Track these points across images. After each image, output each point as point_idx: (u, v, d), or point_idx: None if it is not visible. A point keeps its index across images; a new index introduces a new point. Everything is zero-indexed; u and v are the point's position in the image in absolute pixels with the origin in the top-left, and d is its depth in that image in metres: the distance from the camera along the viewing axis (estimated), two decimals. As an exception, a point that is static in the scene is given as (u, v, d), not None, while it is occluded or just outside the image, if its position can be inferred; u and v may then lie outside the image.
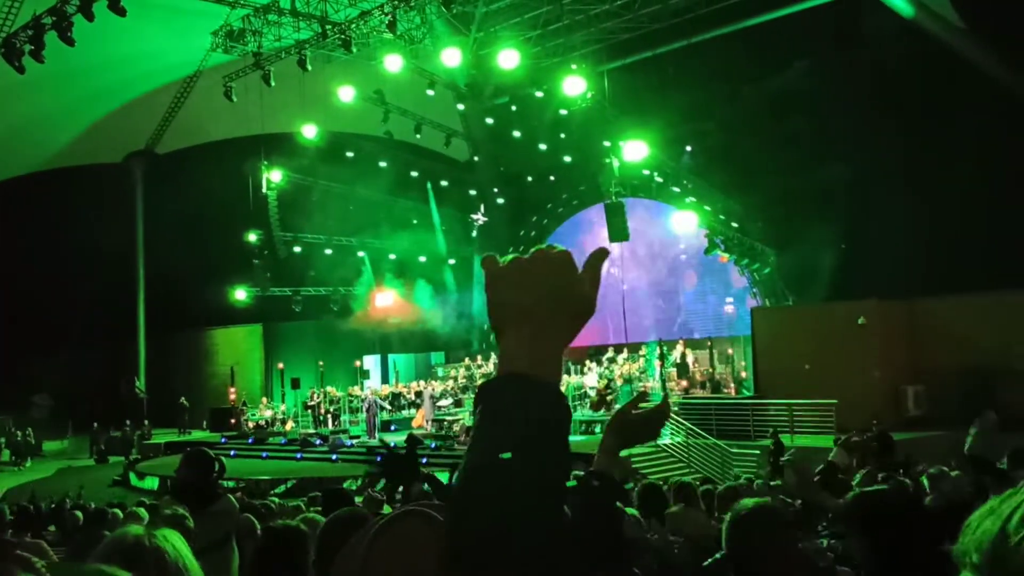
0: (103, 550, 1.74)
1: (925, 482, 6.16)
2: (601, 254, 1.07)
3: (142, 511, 7.34)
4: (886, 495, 2.61)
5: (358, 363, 30.07)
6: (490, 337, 28.92)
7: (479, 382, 25.14)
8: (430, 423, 23.53)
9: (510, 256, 1.06)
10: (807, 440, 17.78)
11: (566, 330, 1.02)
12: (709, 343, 25.52)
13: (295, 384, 28.56)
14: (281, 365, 30.35)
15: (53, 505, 12.62)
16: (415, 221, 31.19)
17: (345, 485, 15.37)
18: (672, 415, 20.40)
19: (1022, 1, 18.36)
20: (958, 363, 18.93)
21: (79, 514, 9.45)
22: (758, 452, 17.43)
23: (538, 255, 1.05)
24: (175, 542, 1.75)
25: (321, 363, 29.00)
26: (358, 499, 8.29)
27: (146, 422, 29.59)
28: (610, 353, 25.99)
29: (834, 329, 20.60)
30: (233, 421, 27.80)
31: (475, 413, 0.99)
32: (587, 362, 25.74)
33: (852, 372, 19.51)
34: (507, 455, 0.92)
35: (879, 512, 2.45)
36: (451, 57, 22.68)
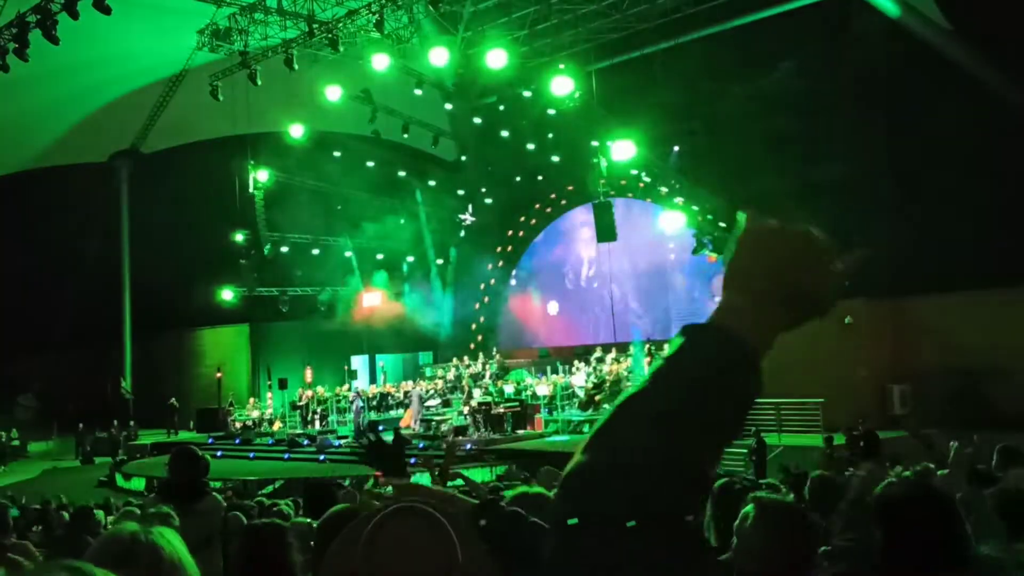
0: (96, 548, 1.72)
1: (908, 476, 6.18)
2: (863, 260, 1.04)
3: (135, 511, 7.29)
4: (912, 487, 2.61)
5: (347, 374, 29.95)
6: (477, 337, 28.95)
7: (466, 382, 25.23)
8: (418, 423, 23.49)
9: (773, 222, 1.02)
10: (794, 439, 17.86)
11: (792, 317, 1.00)
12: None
13: (282, 384, 28.46)
14: (273, 376, 30.22)
15: (38, 507, 12.53)
16: (403, 221, 31.14)
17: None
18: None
19: (1007, 2, 18.49)
20: (944, 362, 19.05)
21: (66, 515, 9.38)
22: (745, 451, 17.48)
23: (804, 235, 1.02)
24: (171, 539, 1.73)
25: (309, 369, 28.85)
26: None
27: (132, 423, 29.42)
28: (598, 353, 26.02)
29: (821, 328, 20.35)
30: (221, 418, 27.67)
31: (671, 344, 0.96)
32: (575, 362, 25.78)
33: (838, 371, 19.59)
34: (680, 391, 0.90)
35: (904, 505, 2.45)
36: (439, 56, 22.64)
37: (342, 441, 23.44)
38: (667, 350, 0.96)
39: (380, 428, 24.39)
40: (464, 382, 25.87)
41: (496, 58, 21.85)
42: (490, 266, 33.31)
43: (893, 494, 2.58)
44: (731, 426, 0.93)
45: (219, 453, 23.44)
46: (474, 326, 33.73)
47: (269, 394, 29.30)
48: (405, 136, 28.64)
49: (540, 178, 30.82)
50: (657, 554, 0.84)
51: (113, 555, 1.63)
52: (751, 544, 2.52)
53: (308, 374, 29.26)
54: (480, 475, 17.12)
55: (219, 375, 29.99)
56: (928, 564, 2.31)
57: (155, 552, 1.68)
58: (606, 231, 23.78)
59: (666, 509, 0.86)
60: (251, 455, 23.70)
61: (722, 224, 24.02)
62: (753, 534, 2.51)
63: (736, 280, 1.00)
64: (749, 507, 2.59)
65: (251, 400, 29.09)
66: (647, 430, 0.88)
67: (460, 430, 21.65)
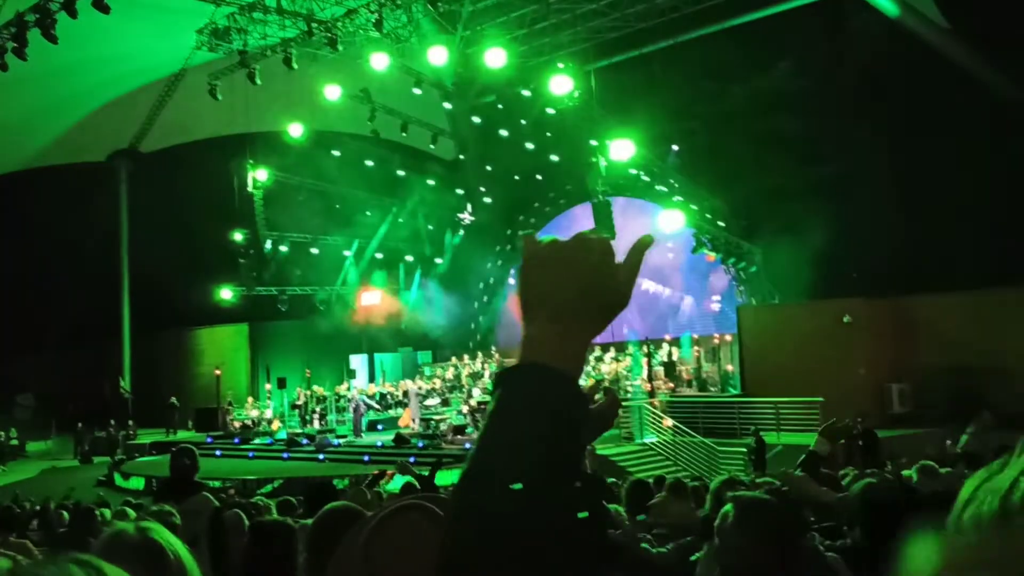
0: (103, 546, 1.72)
1: (914, 475, 6.20)
2: (644, 243, 1.02)
3: (130, 511, 7.30)
4: (890, 488, 2.62)
5: (346, 373, 29.90)
6: (476, 336, 28.96)
7: (465, 381, 25.23)
8: (417, 421, 23.49)
9: (549, 237, 1.02)
10: (793, 438, 17.86)
11: (595, 322, 0.99)
12: (695, 341, 25.59)
13: (281, 384, 28.44)
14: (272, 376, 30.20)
15: (38, 506, 12.53)
16: (401, 220, 31.13)
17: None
18: (656, 412, 20.46)
19: (1005, 1, 18.50)
20: (943, 361, 19.06)
21: (65, 514, 9.37)
22: (744, 450, 17.49)
23: (578, 240, 1.01)
24: (166, 535, 1.74)
25: (308, 372, 28.82)
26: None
27: (130, 422, 29.40)
28: (596, 352, 26.00)
29: (820, 327, 20.70)
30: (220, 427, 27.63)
31: (491, 397, 0.96)
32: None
33: (838, 370, 19.60)
34: (520, 444, 0.89)
35: (884, 504, 2.45)
36: (438, 56, 22.64)
37: (341, 440, 23.45)
38: (488, 406, 0.95)
39: (380, 427, 24.46)
40: (464, 380, 25.87)
41: (495, 57, 21.84)
42: (489, 265, 33.31)
43: (875, 498, 2.59)
44: (573, 439, 0.93)
45: (218, 453, 23.45)
46: (473, 325, 33.73)
47: (268, 392, 29.27)
48: (404, 135, 28.63)
49: (539, 177, 30.81)
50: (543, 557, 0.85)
51: (121, 552, 1.63)
52: (731, 541, 2.53)
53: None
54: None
55: (217, 373, 29.96)
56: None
57: (161, 550, 1.69)
58: (605, 230, 23.58)
59: (540, 516, 0.86)
60: (250, 454, 23.69)
61: (721, 223, 24.04)
62: (732, 531, 2.52)
63: (530, 308, 1.00)
64: (728, 505, 2.60)
65: (250, 399, 29.06)
66: (502, 495, 0.87)
67: (459, 429, 21.65)
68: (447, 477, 14.10)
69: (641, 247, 1.02)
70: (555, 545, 0.86)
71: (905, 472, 7.07)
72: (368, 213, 29.80)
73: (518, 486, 0.86)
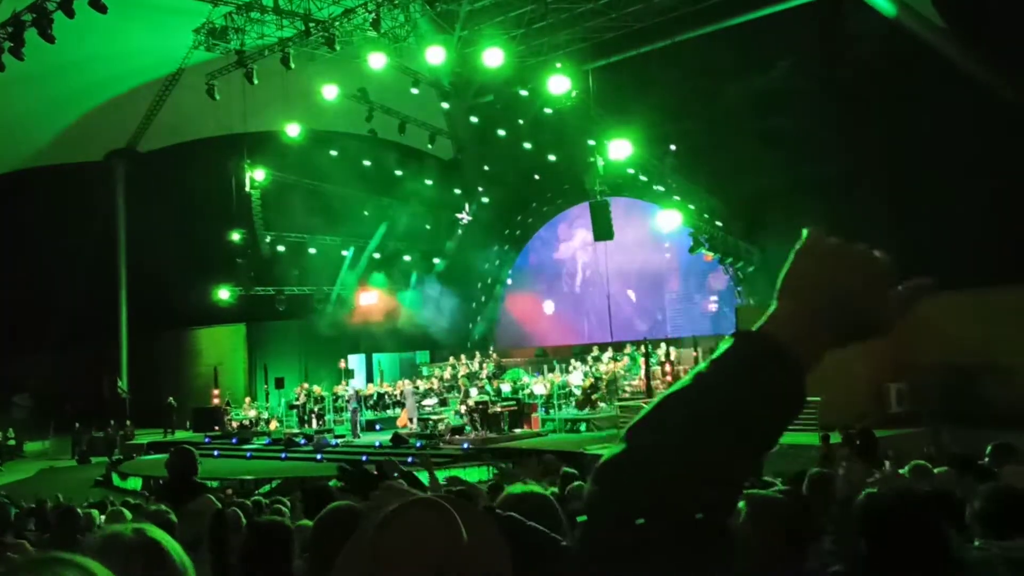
0: (98, 546, 1.72)
1: (906, 475, 6.20)
2: (928, 286, 1.03)
3: (125, 511, 7.29)
4: (894, 497, 2.61)
5: (343, 363, 29.87)
6: (474, 336, 28.89)
7: (463, 381, 25.22)
8: (415, 421, 23.50)
9: (835, 239, 1.02)
10: (790, 437, 17.83)
11: (844, 336, 0.99)
12: (694, 341, 25.61)
13: (279, 384, 28.43)
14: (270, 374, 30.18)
15: (34, 505, 12.51)
16: (399, 220, 31.13)
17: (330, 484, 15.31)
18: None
19: (1003, 1, 18.52)
20: (942, 360, 19.07)
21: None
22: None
23: (865, 254, 1.01)
24: (163, 536, 1.73)
25: (306, 383, 28.78)
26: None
27: (128, 422, 29.39)
28: (595, 352, 26.03)
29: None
30: (216, 428, 27.61)
31: (720, 346, 0.96)
32: (572, 361, 25.80)
33: (835, 369, 19.50)
34: (725, 404, 0.90)
35: (887, 513, 2.45)
36: (435, 55, 22.63)
37: (339, 440, 23.44)
38: (715, 352, 0.97)
39: (378, 427, 24.46)
40: (461, 381, 25.87)
41: (492, 57, 21.84)
42: (487, 265, 33.31)
43: (876, 505, 2.59)
44: (768, 435, 0.93)
45: (216, 453, 23.44)
46: (471, 325, 33.74)
47: (266, 391, 29.27)
48: (402, 135, 28.62)
49: (537, 177, 30.81)
50: (675, 549, 0.85)
51: (117, 553, 1.63)
52: (744, 540, 2.53)
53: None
54: (477, 474, 17.14)
55: (216, 390, 29.97)
56: (914, 573, 2.32)
57: (159, 550, 1.68)
58: (603, 230, 23.79)
59: (688, 506, 0.87)
60: (248, 454, 23.69)
61: (719, 223, 24.05)
62: (743, 529, 2.53)
63: (790, 291, 1.00)
64: (741, 503, 2.61)
65: (247, 399, 29.06)
66: (682, 428, 0.89)
67: (457, 429, 21.65)
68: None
69: (923, 288, 1.04)
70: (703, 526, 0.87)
71: (899, 471, 7.07)
72: (366, 213, 29.79)
73: (682, 441, 0.88)
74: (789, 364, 0.93)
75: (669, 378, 23.67)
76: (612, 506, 0.89)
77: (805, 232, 1.04)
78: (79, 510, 7.31)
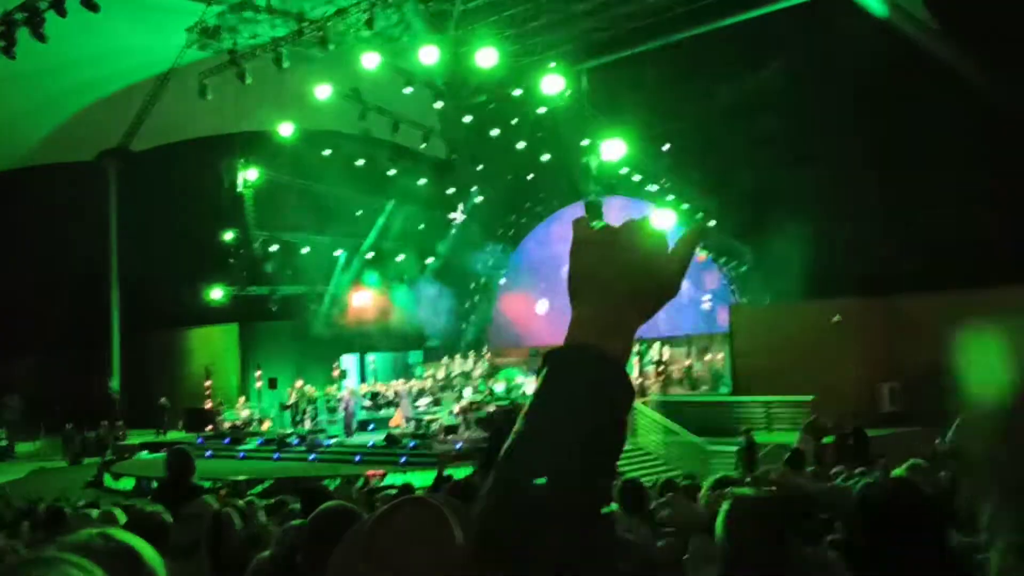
0: (70, 549, 1.70)
1: (903, 475, 6.21)
2: (698, 233, 1.04)
3: (119, 512, 7.26)
4: (892, 488, 2.62)
5: (336, 370, 29.78)
6: (468, 336, 28.85)
7: (456, 381, 25.22)
8: (408, 421, 23.48)
9: (601, 223, 1.04)
10: (784, 436, 17.91)
11: (644, 309, 1.00)
12: (688, 341, 25.65)
13: (272, 384, 28.38)
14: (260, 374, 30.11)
15: (27, 506, 12.47)
16: (393, 220, 31.09)
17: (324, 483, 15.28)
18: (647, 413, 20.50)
19: (994, 2, 18.58)
20: (933, 360, 19.11)
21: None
22: (735, 449, 17.54)
23: (630, 226, 1.03)
24: (133, 539, 1.72)
25: (301, 381, 28.72)
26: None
27: (120, 423, 29.29)
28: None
29: (811, 326, 20.77)
30: (210, 428, 27.54)
31: (537, 377, 0.96)
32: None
33: (829, 369, 19.66)
34: (564, 423, 0.89)
35: (885, 504, 2.45)
36: (429, 55, 22.64)
37: (332, 440, 23.40)
38: (535, 384, 0.96)
39: (371, 427, 24.44)
40: (454, 381, 25.86)
41: (486, 57, 21.86)
42: (480, 265, 33.29)
43: (874, 495, 2.59)
44: (617, 440, 0.93)
45: (208, 453, 23.38)
46: (464, 325, 33.72)
47: (259, 388, 29.19)
48: (395, 135, 28.59)
49: (530, 177, 30.81)
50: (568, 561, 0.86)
51: (92, 555, 1.62)
52: (730, 539, 2.55)
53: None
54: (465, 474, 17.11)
55: (208, 382, 29.89)
56: (911, 567, 2.32)
57: (132, 555, 1.67)
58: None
59: (573, 547, 0.87)
60: (241, 455, 23.64)
61: (712, 222, 24.09)
62: (731, 529, 2.54)
63: (580, 291, 1.00)
64: (726, 503, 2.62)
65: (240, 400, 28.99)
66: (537, 469, 0.88)
67: (450, 429, 21.64)
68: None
69: (693, 236, 1.04)
70: (579, 531, 0.87)
71: (895, 471, 7.09)
72: (359, 213, 29.74)
73: (546, 474, 0.87)
74: (605, 362, 0.94)
75: (662, 377, 23.72)
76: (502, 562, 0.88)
77: (573, 226, 1.06)
78: (67, 511, 7.30)
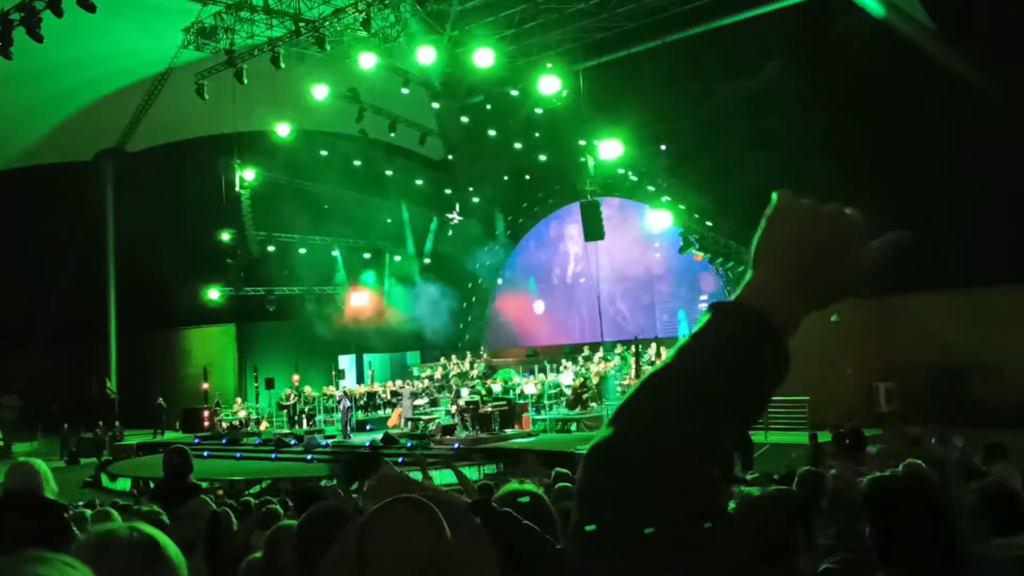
0: (91, 544, 1.71)
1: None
2: (901, 240, 1.02)
3: (110, 510, 7.25)
4: (894, 478, 2.63)
5: (335, 374, 29.79)
6: (465, 336, 28.86)
7: (454, 381, 25.20)
8: (405, 421, 23.49)
9: (806, 200, 1.01)
10: (780, 436, 17.94)
11: (820, 295, 0.99)
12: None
13: (269, 384, 28.37)
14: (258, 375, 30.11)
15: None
16: (390, 220, 31.09)
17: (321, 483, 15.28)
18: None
19: (991, 2, 18.61)
20: (929, 360, 19.18)
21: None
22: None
23: (835, 210, 1.00)
24: (158, 533, 1.74)
25: (296, 377, 28.70)
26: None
27: (117, 423, 29.27)
28: (586, 352, 26.06)
29: (807, 326, 20.69)
30: (207, 424, 27.55)
31: (699, 321, 0.96)
32: (563, 361, 25.82)
33: (825, 369, 19.68)
34: (706, 375, 0.89)
35: (887, 494, 2.46)
36: (426, 55, 22.62)
37: (329, 441, 23.40)
38: (694, 326, 0.96)
39: (368, 428, 24.43)
40: (452, 381, 25.86)
41: (483, 57, 21.84)
42: (478, 265, 33.31)
43: (885, 485, 2.60)
44: (755, 405, 0.93)
45: (206, 453, 23.37)
46: (462, 325, 33.73)
47: (256, 387, 29.19)
48: (392, 135, 28.59)
49: (527, 177, 30.84)
50: (679, 533, 0.84)
51: (114, 551, 1.63)
52: (735, 537, 2.55)
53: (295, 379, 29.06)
54: (467, 474, 17.11)
55: (205, 384, 29.88)
56: (922, 555, 2.33)
57: (156, 547, 1.69)
58: (593, 230, 23.81)
59: (687, 486, 0.86)
60: (238, 455, 23.63)
61: (708, 223, 24.10)
62: (733, 527, 2.55)
63: (764, 258, 1.00)
64: (732, 502, 2.63)
65: (238, 400, 28.99)
66: (671, 405, 0.89)
67: (448, 429, 21.64)
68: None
69: (895, 242, 1.01)
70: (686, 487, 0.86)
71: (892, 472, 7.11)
72: (356, 213, 29.75)
73: (675, 414, 0.87)
74: (769, 332, 0.93)
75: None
76: (603, 492, 0.87)
77: (775, 195, 1.03)
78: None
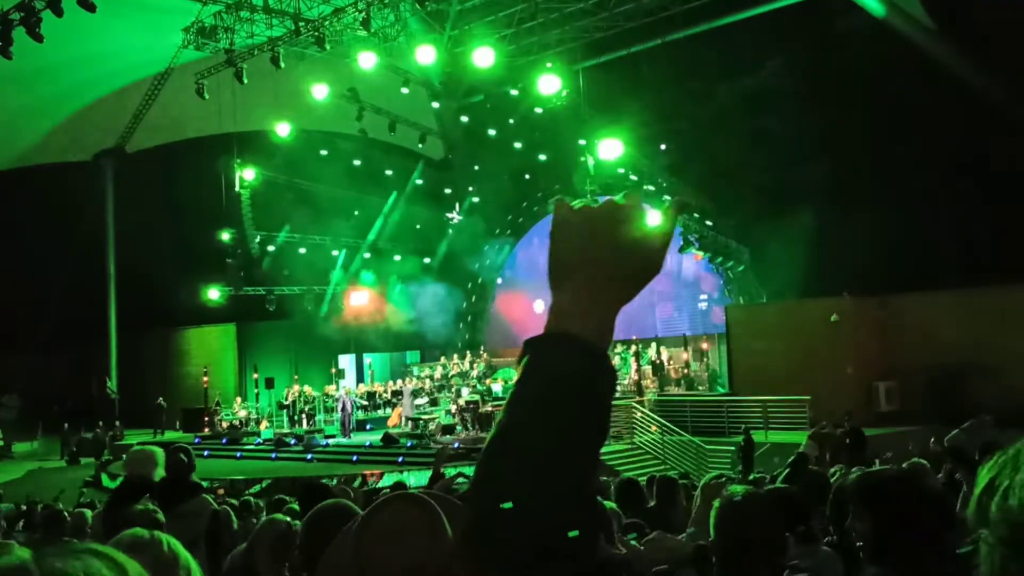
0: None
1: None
2: (677, 206, 1.00)
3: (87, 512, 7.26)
4: (891, 473, 2.64)
5: (335, 373, 29.77)
6: (465, 336, 28.80)
7: (454, 381, 25.21)
8: (406, 420, 23.48)
9: (581, 202, 1.00)
10: (781, 436, 17.94)
11: (626, 289, 0.96)
12: (684, 341, 25.66)
13: (269, 384, 28.35)
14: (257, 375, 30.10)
15: (24, 507, 12.46)
16: (389, 220, 31.06)
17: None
18: (645, 413, 20.50)
19: (991, 2, 18.61)
20: (928, 359, 19.19)
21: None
22: (732, 448, 17.56)
23: (608, 205, 0.98)
24: (177, 546, 1.76)
25: (296, 377, 28.66)
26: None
27: (117, 423, 29.25)
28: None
29: (807, 326, 20.79)
30: (206, 417, 27.54)
31: (517, 367, 0.93)
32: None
33: (825, 368, 19.69)
34: (543, 415, 0.87)
35: (884, 490, 2.47)
36: (425, 55, 22.62)
37: (329, 440, 23.40)
38: (516, 374, 0.93)
39: (368, 427, 24.42)
40: (452, 380, 25.85)
41: (483, 56, 21.84)
42: (477, 265, 33.30)
43: (879, 478, 2.60)
44: (600, 429, 0.91)
45: (206, 453, 23.37)
46: (461, 325, 33.72)
47: (255, 386, 29.18)
48: (392, 135, 28.58)
49: (527, 176, 30.82)
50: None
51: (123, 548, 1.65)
52: (720, 535, 2.59)
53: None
54: (468, 474, 17.10)
55: (205, 378, 29.85)
56: (916, 551, 2.33)
57: (159, 547, 1.70)
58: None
59: (561, 547, 0.83)
60: (238, 455, 23.63)
61: (708, 223, 24.10)
62: (721, 525, 2.58)
63: (559, 276, 0.97)
64: (717, 501, 2.65)
65: (238, 400, 28.97)
66: (524, 463, 0.86)
67: (448, 429, 21.64)
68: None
69: (674, 210, 0.99)
70: (570, 520, 0.84)
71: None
72: (356, 213, 29.73)
73: (531, 464, 0.85)
74: (585, 349, 0.91)
75: (659, 377, 23.73)
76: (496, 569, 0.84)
77: (551, 207, 1.02)
78: (66, 511, 7.29)
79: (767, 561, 2.55)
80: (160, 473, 4.45)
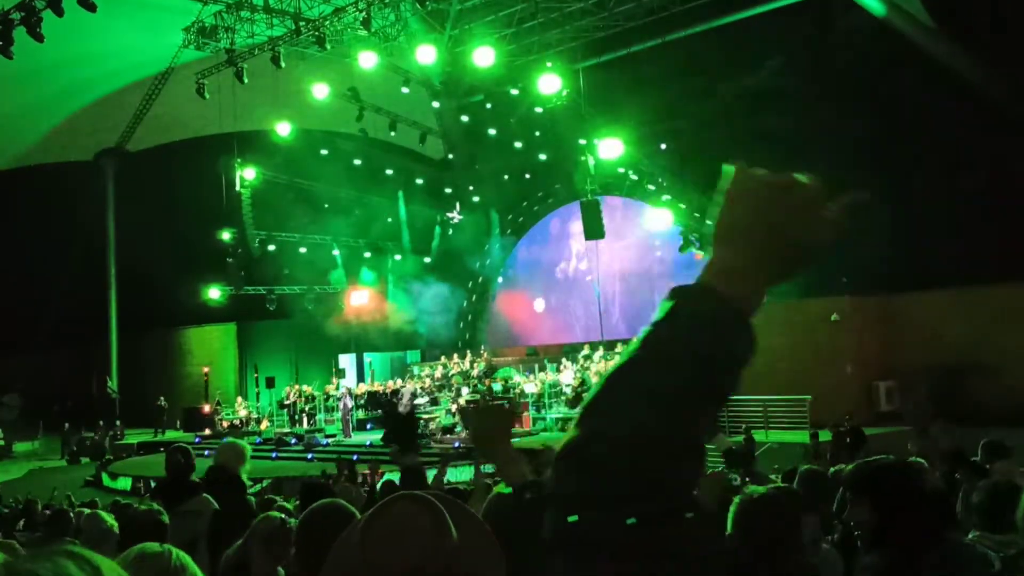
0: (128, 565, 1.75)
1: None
2: (859, 199, 0.99)
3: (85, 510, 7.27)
4: (887, 462, 2.65)
5: (335, 373, 29.79)
6: (465, 335, 28.85)
7: (454, 380, 25.19)
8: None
9: (761, 171, 1.00)
10: (781, 435, 17.94)
11: (783, 266, 0.96)
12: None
13: (270, 383, 28.37)
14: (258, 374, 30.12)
15: (22, 506, 12.46)
16: (390, 219, 31.08)
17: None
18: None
19: (991, 2, 18.61)
20: (929, 359, 19.18)
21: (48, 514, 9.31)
22: (732, 447, 17.53)
23: (790, 179, 0.99)
24: (185, 558, 1.80)
25: (296, 383, 28.68)
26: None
27: (118, 422, 29.28)
28: (586, 351, 26.05)
29: (808, 325, 20.78)
30: (208, 427, 27.54)
31: (659, 307, 0.93)
32: (563, 360, 25.82)
33: (825, 368, 19.69)
34: (672, 361, 0.87)
35: (881, 478, 2.48)
36: (426, 54, 22.63)
37: (330, 440, 23.40)
38: (656, 314, 0.93)
39: (369, 427, 24.42)
40: (452, 380, 25.85)
41: (483, 56, 21.84)
42: (478, 264, 33.31)
43: (872, 465, 2.62)
44: (723, 390, 0.91)
45: (206, 453, 23.36)
46: (462, 324, 33.72)
47: (256, 387, 29.20)
48: (392, 134, 28.58)
49: (528, 176, 30.83)
50: (659, 531, 0.81)
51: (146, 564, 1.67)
52: (738, 533, 2.59)
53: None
54: (469, 473, 17.13)
55: (206, 377, 29.89)
56: (909, 537, 2.33)
57: (166, 559, 1.72)
58: (594, 229, 23.81)
59: (665, 481, 0.84)
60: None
61: (709, 222, 24.07)
62: (740, 523, 2.58)
63: (726, 237, 0.97)
64: (737, 499, 2.65)
65: (238, 399, 28.99)
66: (640, 398, 0.86)
67: (448, 429, 21.65)
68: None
69: (853, 202, 0.99)
70: (670, 467, 0.84)
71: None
72: (356, 212, 29.75)
73: (645, 404, 0.84)
74: (739, 317, 0.91)
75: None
76: (572, 496, 0.84)
77: (729, 170, 1.02)
78: (70, 511, 7.30)
79: (794, 557, 2.57)
80: (246, 468, 4.58)
